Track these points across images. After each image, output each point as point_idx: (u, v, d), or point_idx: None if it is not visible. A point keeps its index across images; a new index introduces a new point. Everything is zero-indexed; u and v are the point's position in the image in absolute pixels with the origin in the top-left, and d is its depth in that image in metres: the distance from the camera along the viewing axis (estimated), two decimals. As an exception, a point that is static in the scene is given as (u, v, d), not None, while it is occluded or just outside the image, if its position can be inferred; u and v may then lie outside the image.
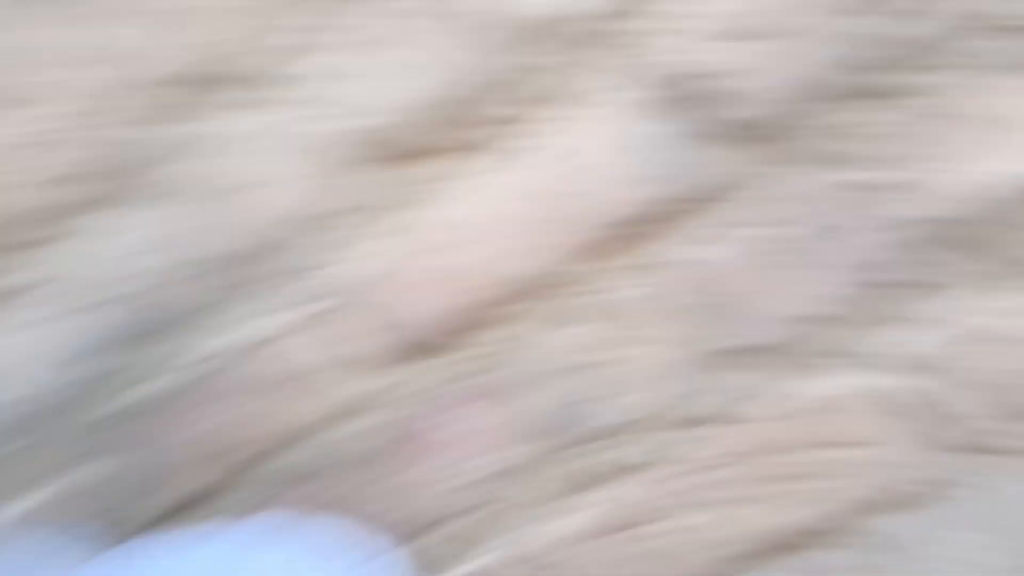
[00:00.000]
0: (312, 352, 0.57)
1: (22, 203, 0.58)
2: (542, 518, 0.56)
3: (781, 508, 0.54)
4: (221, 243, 0.57)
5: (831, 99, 0.55)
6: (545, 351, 0.53)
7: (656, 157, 0.54)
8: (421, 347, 0.55)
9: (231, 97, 0.55)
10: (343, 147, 0.54)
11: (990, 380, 0.53)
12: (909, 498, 0.52)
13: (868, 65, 0.56)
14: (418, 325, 0.55)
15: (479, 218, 0.52)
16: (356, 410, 0.57)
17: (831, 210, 0.55)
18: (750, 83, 0.55)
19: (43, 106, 0.57)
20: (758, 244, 0.55)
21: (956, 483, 0.53)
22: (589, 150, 0.52)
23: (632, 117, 0.53)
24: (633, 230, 0.53)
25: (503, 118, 0.51)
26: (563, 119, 0.52)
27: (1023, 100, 0.55)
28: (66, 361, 0.61)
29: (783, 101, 0.55)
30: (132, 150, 0.56)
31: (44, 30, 0.61)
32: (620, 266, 0.52)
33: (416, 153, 0.53)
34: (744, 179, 0.55)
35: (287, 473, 0.58)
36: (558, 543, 0.56)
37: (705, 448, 0.53)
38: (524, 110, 0.50)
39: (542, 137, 0.50)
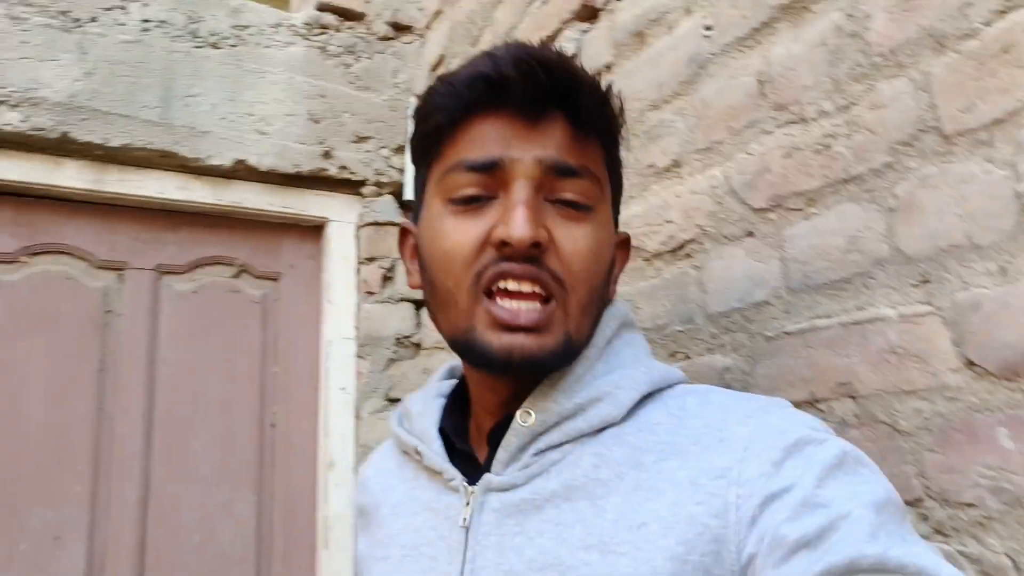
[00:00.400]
0: (914, 341, 0.71)
1: (793, 185, 0.90)
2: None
3: None
4: (888, 246, 0.77)
5: None
6: None
7: None
8: (1008, 370, 0.64)
9: (949, 148, 0.71)
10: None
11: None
12: None
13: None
14: (1010, 352, 0.63)
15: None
16: (930, 395, 0.70)
17: None
18: None
19: (818, 123, 0.86)
20: None
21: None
22: None
23: None
24: None
25: None
26: None
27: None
28: (751, 287, 0.97)
29: None
30: (863, 165, 0.80)
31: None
32: None
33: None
34: None
35: (856, 412, 0.78)
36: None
37: None
38: None
39: None
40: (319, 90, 1.98)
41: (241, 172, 1.88)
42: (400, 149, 2.07)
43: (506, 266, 0.59)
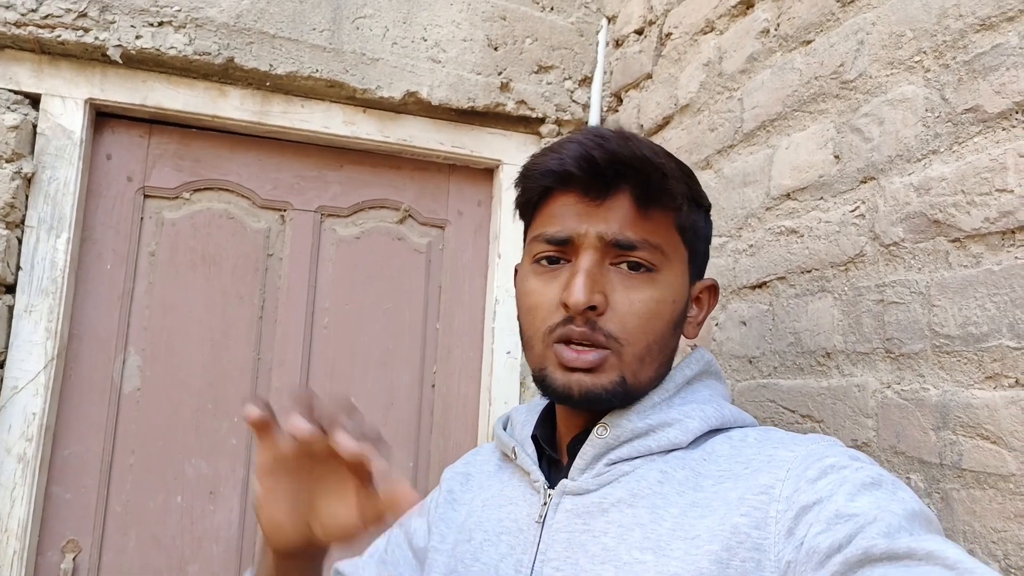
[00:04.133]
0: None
1: None
2: None
3: None
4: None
5: None
6: None
7: None
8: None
9: None
10: None
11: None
12: None
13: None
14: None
15: None
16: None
17: None
18: None
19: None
20: None
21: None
22: None
23: None
24: None
25: None
26: None
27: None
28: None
29: None
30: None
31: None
32: None
33: None
34: None
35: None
36: None
37: None
38: None
39: None
40: (500, 11, 1.73)
41: (411, 106, 1.67)
42: (586, 81, 1.79)
43: (568, 330, 0.71)
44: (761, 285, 1.17)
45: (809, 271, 1.07)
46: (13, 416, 1.39)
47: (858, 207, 0.99)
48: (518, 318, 0.79)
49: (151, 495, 1.52)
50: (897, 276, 0.92)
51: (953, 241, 0.85)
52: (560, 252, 0.74)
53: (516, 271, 0.85)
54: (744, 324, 1.20)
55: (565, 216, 0.73)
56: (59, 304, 1.44)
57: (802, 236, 1.09)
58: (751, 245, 1.20)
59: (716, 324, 1.27)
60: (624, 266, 0.72)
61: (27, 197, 1.44)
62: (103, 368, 1.52)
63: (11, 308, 1.41)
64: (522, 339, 0.78)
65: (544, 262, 0.75)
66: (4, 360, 1.40)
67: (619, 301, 0.71)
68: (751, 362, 1.17)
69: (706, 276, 0.84)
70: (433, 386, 1.76)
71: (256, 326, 1.64)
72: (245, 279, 1.64)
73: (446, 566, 0.80)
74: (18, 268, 1.42)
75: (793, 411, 1.07)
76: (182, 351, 1.58)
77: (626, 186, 0.72)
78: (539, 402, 0.86)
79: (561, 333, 0.71)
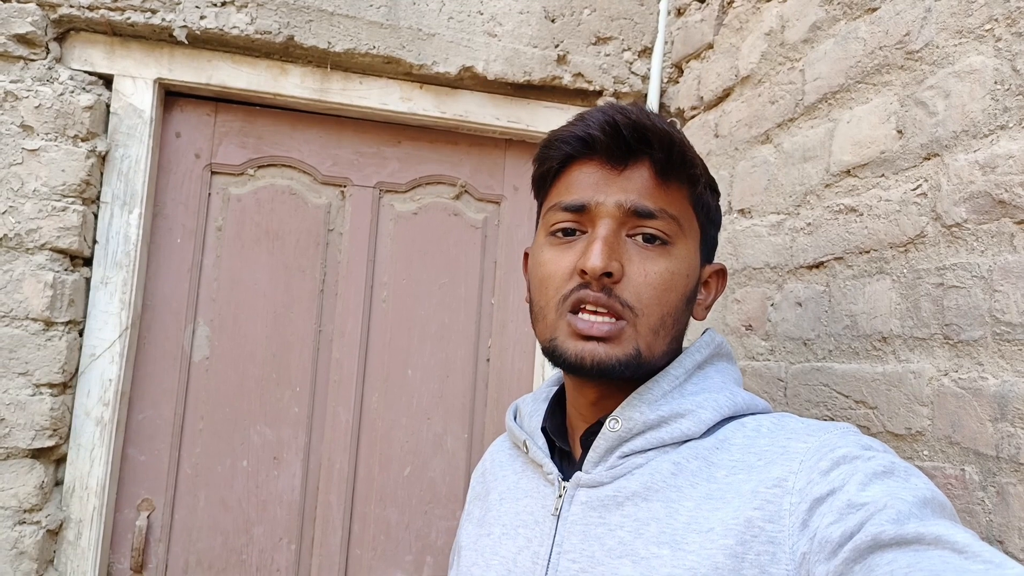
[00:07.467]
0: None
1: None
2: None
3: None
4: None
5: None
6: None
7: None
8: None
9: None
10: None
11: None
12: None
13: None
14: None
15: None
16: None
17: None
18: None
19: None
20: None
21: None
22: None
23: None
24: None
25: None
26: None
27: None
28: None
29: None
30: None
31: None
32: None
33: None
34: None
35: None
36: None
37: None
38: None
39: None
40: (557, -17, 1.70)
41: (467, 81, 1.67)
42: (646, 52, 1.75)
43: (583, 293, 0.71)
44: (818, 265, 1.13)
45: (868, 252, 1.03)
46: (91, 382, 1.47)
47: (920, 185, 0.95)
48: (528, 296, 0.79)
49: (219, 459, 1.60)
50: (958, 259, 0.88)
51: (1019, 223, 0.80)
52: (576, 222, 0.74)
53: (526, 255, 0.85)
54: (800, 305, 1.17)
55: (583, 185, 0.74)
56: (132, 276, 1.51)
57: (861, 215, 1.05)
58: (809, 223, 1.16)
59: (772, 305, 1.24)
60: (640, 238, 0.72)
61: (101, 174, 1.51)
62: (174, 337, 1.59)
63: (88, 280, 1.49)
64: (532, 312, 0.77)
65: (560, 233, 0.75)
66: (83, 329, 1.48)
67: (634, 272, 0.71)
68: (806, 344, 1.14)
69: (728, 259, 0.84)
70: (488, 360, 1.78)
71: (317, 299, 1.68)
72: (307, 253, 1.68)
73: (469, 560, 0.81)
74: (94, 242, 1.50)
75: (847, 396, 1.03)
76: (248, 322, 1.64)
77: (647, 155, 0.72)
78: (545, 390, 0.86)
79: (575, 298, 0.71)
